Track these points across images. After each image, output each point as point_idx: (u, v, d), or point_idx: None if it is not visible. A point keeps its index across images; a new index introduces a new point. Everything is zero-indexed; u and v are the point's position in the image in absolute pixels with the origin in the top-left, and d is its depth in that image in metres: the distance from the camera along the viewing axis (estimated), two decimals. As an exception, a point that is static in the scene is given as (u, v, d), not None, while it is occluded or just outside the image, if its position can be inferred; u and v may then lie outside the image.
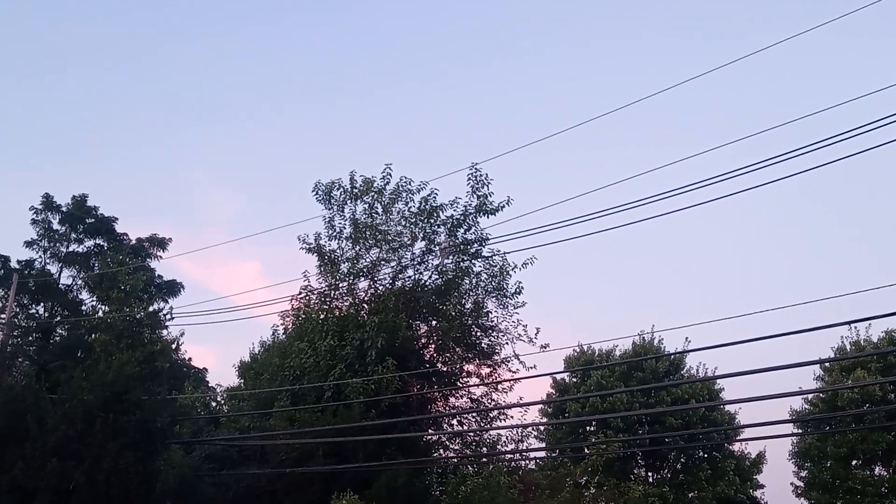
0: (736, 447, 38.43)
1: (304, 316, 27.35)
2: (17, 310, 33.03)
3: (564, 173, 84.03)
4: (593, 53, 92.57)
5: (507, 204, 26.63)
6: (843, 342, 35.70)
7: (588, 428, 39.90)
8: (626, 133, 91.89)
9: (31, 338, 33.97)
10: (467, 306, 27.59)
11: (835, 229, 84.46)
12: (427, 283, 27.55)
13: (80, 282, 35.28)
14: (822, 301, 14.37)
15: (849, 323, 22.40)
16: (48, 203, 35.75)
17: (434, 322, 27.58)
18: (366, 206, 27.30)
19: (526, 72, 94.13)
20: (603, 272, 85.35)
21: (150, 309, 28.84)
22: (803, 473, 36.70)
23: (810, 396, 35.82)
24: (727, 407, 37.67)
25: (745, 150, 15.34)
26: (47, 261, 35.13)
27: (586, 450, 34.17)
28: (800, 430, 36.18)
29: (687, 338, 34.77)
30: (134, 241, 36.53)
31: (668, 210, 15.90)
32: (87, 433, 20.56)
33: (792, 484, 37.17)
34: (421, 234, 27.12)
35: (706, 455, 38.37)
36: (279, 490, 23.41)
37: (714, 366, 38.52)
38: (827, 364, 35.24)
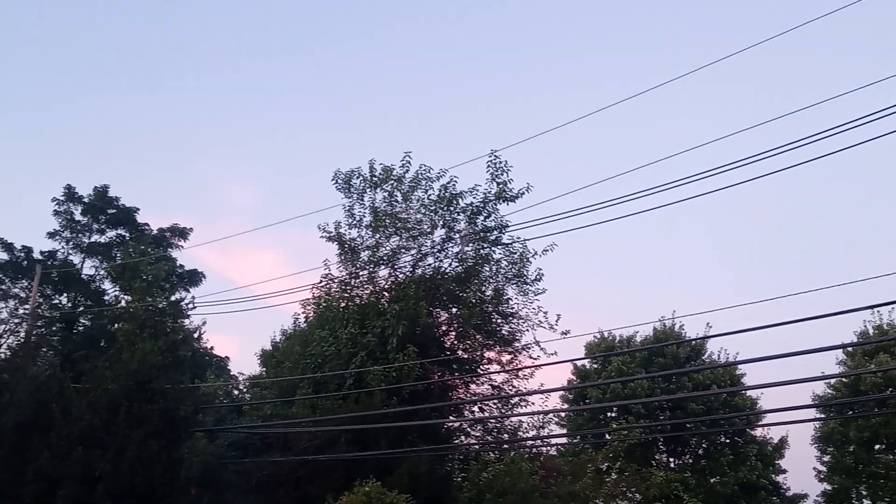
0: (758, 432, 38.21)
1: (324, 304, 27.46)
2: (41, 300, 33.41)
3: (584, 160, 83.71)
4: (614, 38, 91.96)
5: (527, 191, 26.64)
6: (865, 326, 35.51)
7: (609, 414, 39.83)
8: (644, 119, 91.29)
9: (54, 328, 34.33)
10: (487, 293, 27.58)
11: (860, 211, 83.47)
12: (447, 271, 27.56)
13: (102, 272, 35.64)
14: (844, 285, 14.30)
15: (872, 307, 22.16)
16: (70, 194, 36.05)
17: (454, 309, 27.59)
18: (385, 194, 27.34)
19: (544, 57, 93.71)
20: (623, 258, 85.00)
21: (172, 298, 28.99)
22: (826, 458, 36.52)
23: (833, 381, 35.59)
24: (749, 392, 37.54)
25: (768, 134, 15.21)
26: (70, 251, 35.52)
27: (607, 436, 34.05)
28: (822, 415, 35.94)
29: (708, 323, 34.75)
30: (155, 232, 36.83)
31: (689, 196, 15.86)
32: (111, 422, 20.71)
33: (814, 469, 37.05)
34: (441, 222, 27.13)
35: (728, 440, 38.21)
36: (302, 477, 23.51)
37: (736, 351, 38.25)
38: (850, 348, 34.98)
